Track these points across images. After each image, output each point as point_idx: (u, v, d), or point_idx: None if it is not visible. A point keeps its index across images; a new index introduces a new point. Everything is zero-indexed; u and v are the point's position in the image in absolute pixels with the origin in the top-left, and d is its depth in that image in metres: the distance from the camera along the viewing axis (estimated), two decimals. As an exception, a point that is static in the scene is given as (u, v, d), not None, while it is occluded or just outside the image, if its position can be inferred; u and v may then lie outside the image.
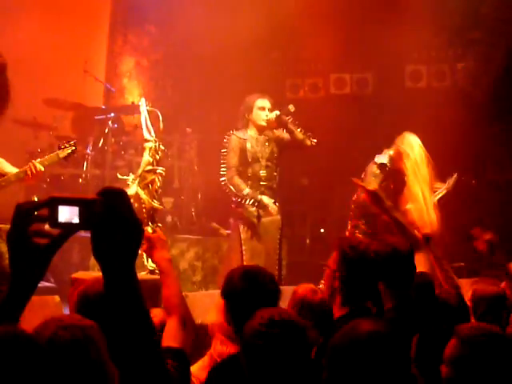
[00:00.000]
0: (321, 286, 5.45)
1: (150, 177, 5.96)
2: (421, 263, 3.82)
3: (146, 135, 6.06)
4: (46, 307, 4.68)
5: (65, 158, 6.00)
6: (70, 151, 5.95)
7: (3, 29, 9.00)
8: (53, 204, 1.76)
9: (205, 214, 9.20)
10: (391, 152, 6.63)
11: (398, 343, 2.33)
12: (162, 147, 6.14)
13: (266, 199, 6.90)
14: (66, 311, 4.00)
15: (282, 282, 6.67)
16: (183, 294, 5.64)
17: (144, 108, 6.09)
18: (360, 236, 6.57)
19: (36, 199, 8.33)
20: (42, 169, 5.64)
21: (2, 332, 1.65)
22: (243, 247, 6.94)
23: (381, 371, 2.25)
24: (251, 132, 7.01)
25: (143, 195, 5.87)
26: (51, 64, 9.66)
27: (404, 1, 9.50)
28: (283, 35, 10.29)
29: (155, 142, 6.05)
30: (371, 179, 6.62)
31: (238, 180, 6.92)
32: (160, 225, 6.20)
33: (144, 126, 6.07)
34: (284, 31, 10.21)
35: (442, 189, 6.59)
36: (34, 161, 5.68)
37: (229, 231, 9.28)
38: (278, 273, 6.81)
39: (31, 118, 8.78)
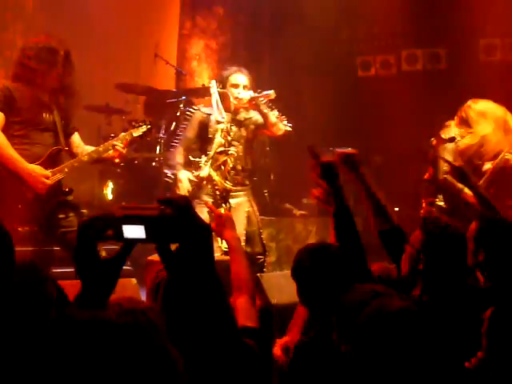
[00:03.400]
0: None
1: (222, 158, 5.97)
2: None
3: (218, 117, 6.06)
4: (124, 290, 4.72)
5: (140, 136, 5.93)
6: (145, 129, 5.90)
7: (75, 16, 9.13)
8: (117, 224, 1.77)
9: (278, 194, 9.19)
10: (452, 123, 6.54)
11: (429, 322, 2.26)
12: (233, 128, 6.15)
13: (182, 174, 6.15)
14: (143, 293, 4.03)
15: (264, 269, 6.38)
16: (258, 274, 5.69)
17: (215, 90, 6.09)
18: (435, 212, 6.47)
19: (111, 186, 8.48)
20: (124, 151, 5.66)
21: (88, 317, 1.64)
22: None
23: (409, 349, 2.19)
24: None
25: (216, 177, 5.89)
26: (122, 49, 9.77)
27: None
28: (352, 13, 10.19)
29: (227, 123, 6.06)
30: (445, 154, 6.50)
31: (177, 151, 6.37)
32: (233, 206, 6.21)
33: (215, 108, 6.08)
34: (352, 8, 10.11)
35: None
36: (114, 140, 5.69)
37: (302, 212, 9.28)
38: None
39: (104, 103, 8.88)
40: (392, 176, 9.69)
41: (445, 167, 6.46)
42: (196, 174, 5.96)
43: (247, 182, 6.51)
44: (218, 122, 6.04)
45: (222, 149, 5.97)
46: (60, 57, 5.40)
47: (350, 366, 2.31)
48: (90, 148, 5.70)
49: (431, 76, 9.91)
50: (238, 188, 6.39)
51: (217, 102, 6.08)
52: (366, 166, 4.00)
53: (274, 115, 6.18)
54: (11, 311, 2.26)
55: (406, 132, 9.63)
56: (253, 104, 6.24)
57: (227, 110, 6.31)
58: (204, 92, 8.74)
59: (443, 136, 6.59)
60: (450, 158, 6.46)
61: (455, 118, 6.55)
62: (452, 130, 6.53)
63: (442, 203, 6.67)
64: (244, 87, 6.29)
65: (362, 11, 10.17)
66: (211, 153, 5.99)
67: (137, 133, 5.82)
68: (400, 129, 9.75)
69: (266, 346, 3.15)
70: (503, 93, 8.28)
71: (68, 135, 5.63)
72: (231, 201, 6.29)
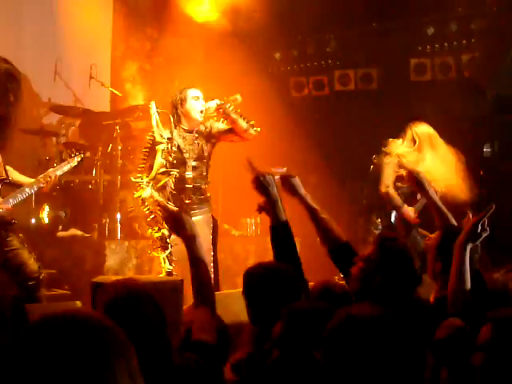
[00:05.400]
0: (336, 279, 5.43)
1: (164, 179, 5.96)
2: None
3: (158, 137, 6.06)
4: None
5: (75, 166, 5.94)
6: (79, 159, 5.91)
7: (6, 38, 9.02)
8: None
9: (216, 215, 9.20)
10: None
11: (398, 326, 2.29)
12: (174, 149, 6.15)
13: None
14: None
15: (219, 287, 6.29)
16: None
17: (155, 110, 6.09)
18: (375, 231, 6.59)
19: (47, 210, 8.36)
20: (56, 179, 5.63)
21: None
22: (171, 249, 5.96)
23: (380, 353, 2.21)
24: (179, 130, 6.35)
25: (158, 197, 5.87)
26: (57, 71, 9.67)
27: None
28: (286, 34, 10.31)
29: (167, 143, 6.06)
30: (389, 169, 6.66)
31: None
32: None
33: (155, 129, 6.08)
34: (286, 29, 10.23)
35: None
36: (47, 172, 5.65)
37: (240, 232, 9.31)
38: (215, 276, 6.10)
39: (39, 126, 8.77)
40: (328, 195, 9.81)
41: (388, 181, 6.61)
42: (137, 194, 5.93)
43: (209, 195, 6.53)
44: (159, 143, 6.04)
45: (163, 169, 5.96)
46: (16, 84, 5.27)
47: (317, 375, 2.32)
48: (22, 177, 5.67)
49: (364, 95, 10.08)
50: (204, 205, 6.44)
51: (157, 122, 6.08)
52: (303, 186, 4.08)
53: (243, 121, 6.23)
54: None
55: (340, 151, 9.78)
56: (220, 112, 6.25)
57: (191, 127, 6.37)
58: (139, 113, 8.74)
59: (386, 150, 6.73)
60: (392, 171, 6.61)
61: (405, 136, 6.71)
62: (396, 146, 6.69)
63: (378, 220, 6.80)
64: (203, 99, 6.35)
65: (295, 33, 10.31)
66: (152, 174, 5.97)
67: (73, 163, 5.83)
68: (333, 148, 9.89)
69: (220, 361, 3.15)
70: (433, 112, 8.50)
71: None
72: (195, 218, 6.17)
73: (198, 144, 6.36)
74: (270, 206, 3.90)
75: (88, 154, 8.22)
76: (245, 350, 3.72)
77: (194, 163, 6.35)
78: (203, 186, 6.43)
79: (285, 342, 2.81)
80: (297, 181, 4.07)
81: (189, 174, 6.31)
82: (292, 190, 4.05)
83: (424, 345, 3.06)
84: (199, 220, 6.30)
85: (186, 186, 6.30)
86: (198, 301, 3.11)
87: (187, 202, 6.28)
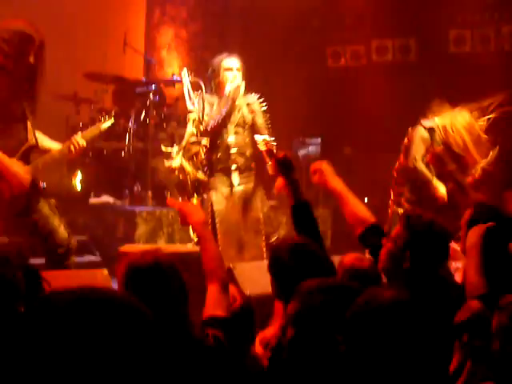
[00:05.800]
0: (367, 254, 5.36)
1: (195, 148, 5.91)
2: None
3: (190, 106, 6.00)
4: (95, 280, 4.67)
5: (105, 130, 5.88)
6: (109, 123, 5.84)
7: (42, 4, 8.99)
8: None
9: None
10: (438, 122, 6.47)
11: (422, 312, 2.22)
12: (205, 118, 6.09)
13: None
14: (114, 284, 3.97)
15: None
16: (230, 265, 5.65)
17: (187, 79, 6.02)
18: (406, 204, 6.47)
19: (79, 176, 8.38)
20: (85, 144, 5.56)
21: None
22: (216, 219, 6.18)
23: (404, 340, 2.14)
24: (214, 99, 6.30)
25: (188, 167, 5.83)
26: (90, 38, 9.65)
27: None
28: (323, 2, 10.17)
29: (198, 112, 6.00)
30: (419, 142, 6.47)
31: None
32: (205, 196, 6.18)
33: (187, 97, 6.02)
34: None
35: None
36: (75, 136, 5.60)
37: (272, 202, 9.24)
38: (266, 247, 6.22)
39: (72, 92, 8.76)
40: (362, 167, 9.73)
41: (417, 155, 6.44)
42: (168, 164, 5.90)
43: (253, 167, 6.44)
44: (190, 112, 5.98)
45: (194, 139, 5.91)
46: (35, 46, 5.22)
47: (337, 360, 2.26)
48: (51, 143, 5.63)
49: (401, 66, 9.93)
50: (250, 173, 6.39)
51: (188, 90, 6.02)
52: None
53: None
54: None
55: (375, 122, 9.65)
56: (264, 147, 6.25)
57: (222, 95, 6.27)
58: (174, 81, 8.70)
59: (423, 123, 6.53)
60: (423, 146, 6.45)
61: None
62: (433, 122, 6.49)
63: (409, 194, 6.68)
64: (237, 70, 6.22)
65: (332, 1, 10.17)
66: (183, 143, 5.93)
67: (103, 126, 5.76)
68: (369, 119, 9.77)
69: (239, 335, 3.14)
70: (472, 84, 8.33)
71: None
72: (239, 188, 6.28)
73: (239, 112, 6.28)
74: (290, 187, 3.92)
75: (120, 121, 8.24)
76: (278, 324, 3.68)
77: (234, 128, 6.27)
78: (248, 154, 6.35)
79: (299, 321, 2.72)
80: (328, 168, 4.05)
81: (231, 139, 6.26)
82: (323, 180, 4.03)
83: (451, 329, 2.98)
84: (245, 188, 6.32)
85: (231, 151, 6.26)
86: (208, 277, 3.11)
87: (233, 167, 6.27)
